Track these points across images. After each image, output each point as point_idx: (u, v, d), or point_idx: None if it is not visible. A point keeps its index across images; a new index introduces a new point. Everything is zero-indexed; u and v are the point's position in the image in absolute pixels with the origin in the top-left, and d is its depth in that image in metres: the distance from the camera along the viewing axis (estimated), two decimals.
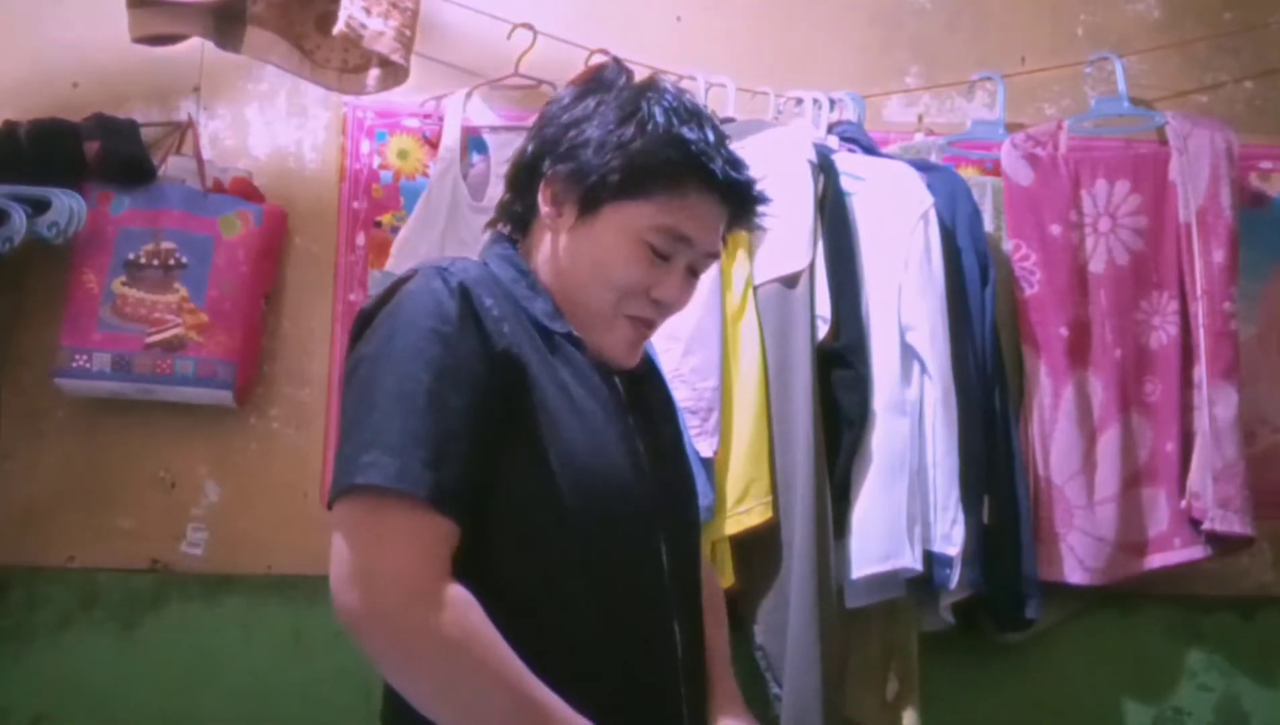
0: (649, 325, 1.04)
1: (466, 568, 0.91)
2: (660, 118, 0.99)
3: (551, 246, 1.03)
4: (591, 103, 1.02)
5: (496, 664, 0.86)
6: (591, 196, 0.99)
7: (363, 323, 0.96)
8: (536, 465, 0.94)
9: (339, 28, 1.56)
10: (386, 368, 0.90)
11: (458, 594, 0.86)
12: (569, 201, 1.00)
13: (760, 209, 1.05)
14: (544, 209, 1.02)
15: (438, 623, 0.85)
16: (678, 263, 1.01)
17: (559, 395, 0.96)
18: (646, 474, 1.01)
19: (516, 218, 1.07)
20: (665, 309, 1.03)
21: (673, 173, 0.98)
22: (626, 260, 0.99)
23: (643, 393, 1.09)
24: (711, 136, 1.00)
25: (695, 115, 1.01)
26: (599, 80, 1.07)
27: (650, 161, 0.98)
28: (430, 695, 0.87)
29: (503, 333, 0.94)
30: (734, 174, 1.01)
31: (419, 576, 0.85)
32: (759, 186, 1.04)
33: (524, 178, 1.05)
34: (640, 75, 1.90)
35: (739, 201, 1.03)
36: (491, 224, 1.11)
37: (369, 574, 0.85)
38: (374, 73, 1.70)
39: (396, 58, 1.62)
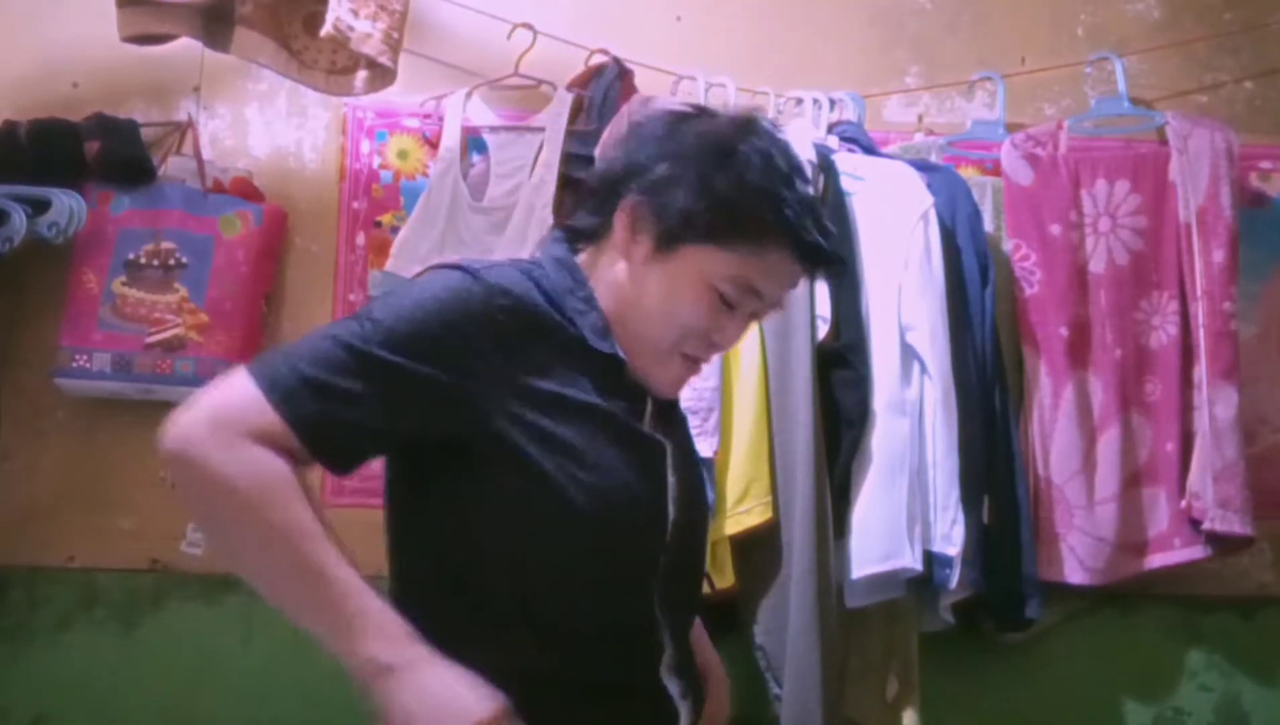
0: (699, 362, 1.05)
1: (457, 575, 0.96)
2: (757, 168, 0.97)
3: (618, 269, 1.01)
4: (689, 135, 1.00)
5: (277, 515, 0.87)
6: (672, 235, 0.98)
7: None
8: (544, 484, 0.93)
9: (326, 29, 1.56)
10: (366, 316, 0.93)
11: (259, 450, 0.87)
12: (646, 232, 0.99)
13: (839, 267, 1.08)
14: (619, 232, 1.00)
15: (223, 458, 0.88)
16: (744, 310, 1.01)
17: (586, 417, 0.96)
18: (665, 500, 1.01)
19: (588, 228, 1.05)
20: (719, 351, 1.05)
21: (759, 229, 0.97)
22: (695, 303, 0.99)
23: (668, 414, 1.09)
24: (806, 195, 0.99)
25: (792, 170, 0.99)
26: (701, 108, 1.07)
27: (739, 214, 0.96)
28: (210, 534, 0.92)
29: (517, 348, 0.94)
30: (821, 238, 0.99)
31: (229, 427, 0.88)
32: (837, 243, 1.05)
33: (604, 192, 1.03)
34: (640, 76, 1.93)
35: (818, 264, 1.02)
36: (559, 222, 1.11)
37: (188, 409, 0.91)
38: (361, 74, 1.70)
39: (384, 60, 1.62)
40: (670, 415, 1.09)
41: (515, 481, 0.94)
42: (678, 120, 1.03)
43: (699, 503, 1.10)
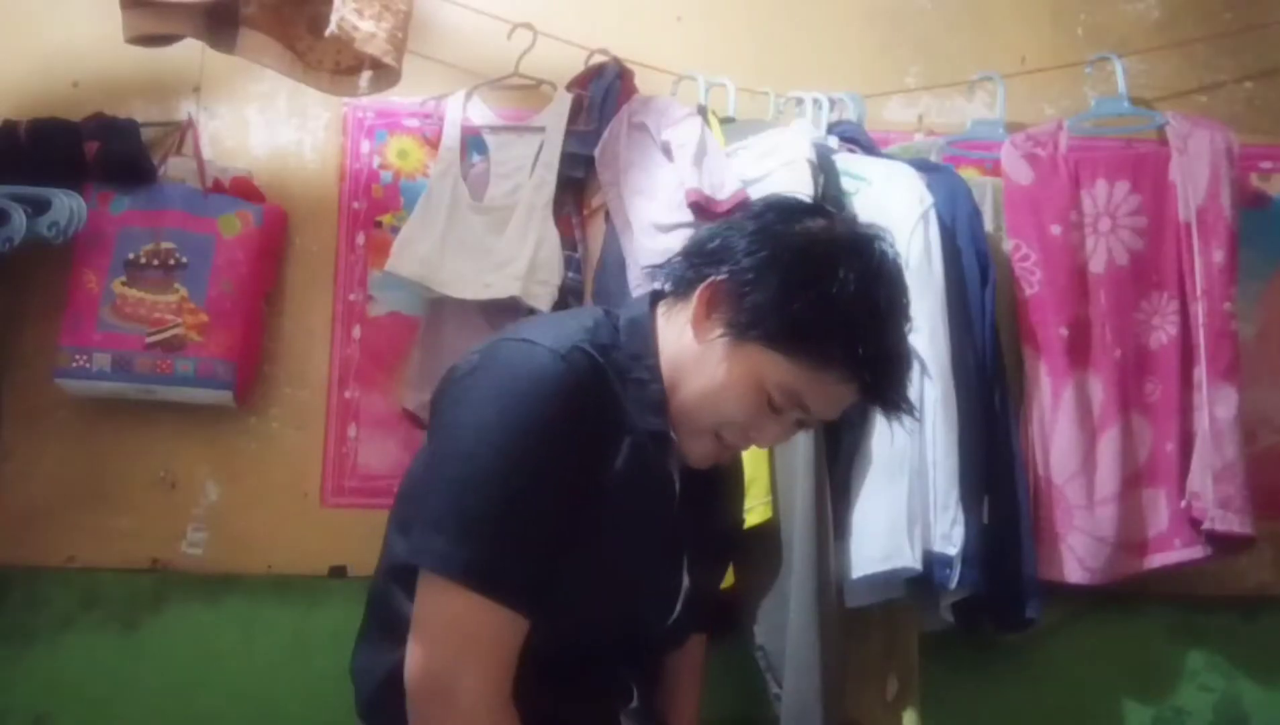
0: (734, 449, 1.06)
1: None
2: (846, 295, 0.95)
3: (685, 340, 1.02)
4: (798, 232, 0.98)
5: None
6: (743, 327, 0.98)
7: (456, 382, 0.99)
8: (578, 554, 0.96)
9: (331, 30, 1.56)
10: (487, 447, 0.92)
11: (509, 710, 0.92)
12: (720, 316, 0.99)
13: (901, 408, 1.02)
14: (696, 306, 1.00)
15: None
16: (788, 418, 1.01)
17: (623, 495, 0.98)
18: (675, 593, 1.04)
19: (681, 285, 1.04)
20: (754, 444, 1.05)
21: (826, 355, 0.96)
22: (742, 398, 0.99)
23: (702, 487, 1.09)
24: (886, 342, 0.97)
25: (887, 308, 0.97)
26: (815, 204, 1.07)
27: (811, 335, 0.96)
28: None
29: (602, 421, 0.97)
30: (885, 385, 0.99)
31: (496, 692, 0.91)
32: (903, 387, 1.01)
33: (703, 257, 1.02)
34: (640, 76, 1.93)
35: (876, 396, 1.01)
36: (658, 268, 1.09)
37: (453, 677, 0.91)
38: (366, 75, 1.70)
39: (388, 60, 1.62)
40: (704, 489, 1.09)
41: (575, 557, 0.96)
42: (795, 213, 1.01)
43: (709, 591, 1.14)
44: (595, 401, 0.96)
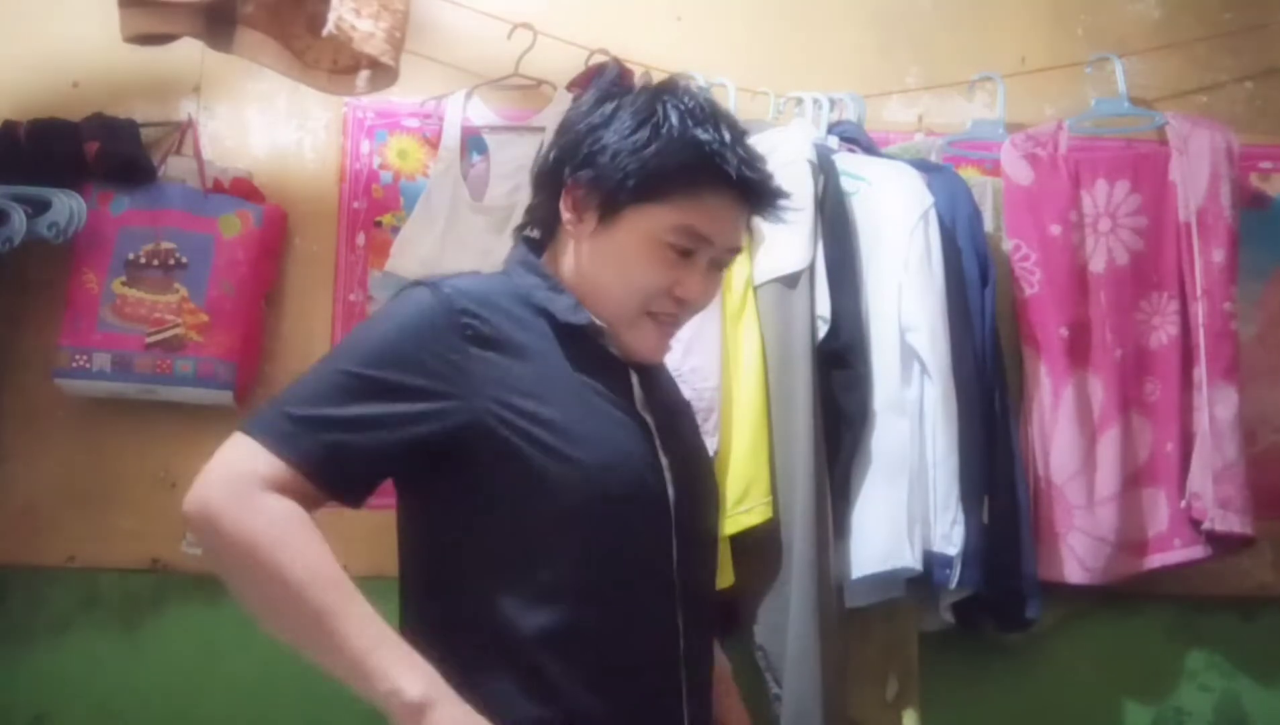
0: (674, 321, 1.06)
1: (463, 571, 0.99)
2: (675, 121, 1.00)
3: (575, 252, 1.06)
4: (609, 108, 1.04)
5: (297, 563, 0.90)
6: (610, 202, 1.01)
7: None
8: (538, 470, 0.96)
9: (329, 29, 1.56)
10: (340, 347, 1.02)
11: (271, 498, 0.91)
12: (589, 208, 1.03)
13: (780, 202, 1.07)
14: (565, 216, 1.05)
15: (238, 514, 0.90)
16: (699, 260, 1.03)
17: (570, 396, 1.00)
18: (661, 475, 1.03)
19: (542, 222, 1.11)
20: (689, 306, 1.05)
21: (688, 175, 1.00)
22: (647, 262, 1.02)
23: (658, 389, 1.11)
24: (727, 135, 1.01)
25: (711, 115, 1.02)
26: (617, 85, 1.10)
27: (665, 165, 0.99)
28: (240, 595, 0.94)
29: (491, 341, 0.98)
30: (749, 172, 1.02)
31: (239, 482, 0.92)
32: (775, 181, 1.06)
33: (547, 184, 1.08)
34: (640, 76, 1.93)
35: (756, 197, 1.05)
36: (519, 229, 1.15)
37: (204, 474, 0.94)
38: (364, 74, 1.70)
39: (386, 59, 1.62)
40: (662, 400, 1.11)
41: (511, 472, 0.96)
42: (597, 100, 1.07)
43: (702, 489, 1.11)
44: (483, 318, 0.98)
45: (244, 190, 1.90)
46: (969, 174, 1.94)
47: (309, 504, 0.94)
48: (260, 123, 1.97)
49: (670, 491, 1.03)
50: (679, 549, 1.02)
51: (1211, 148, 1.85)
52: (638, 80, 1.90)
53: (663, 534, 1.02)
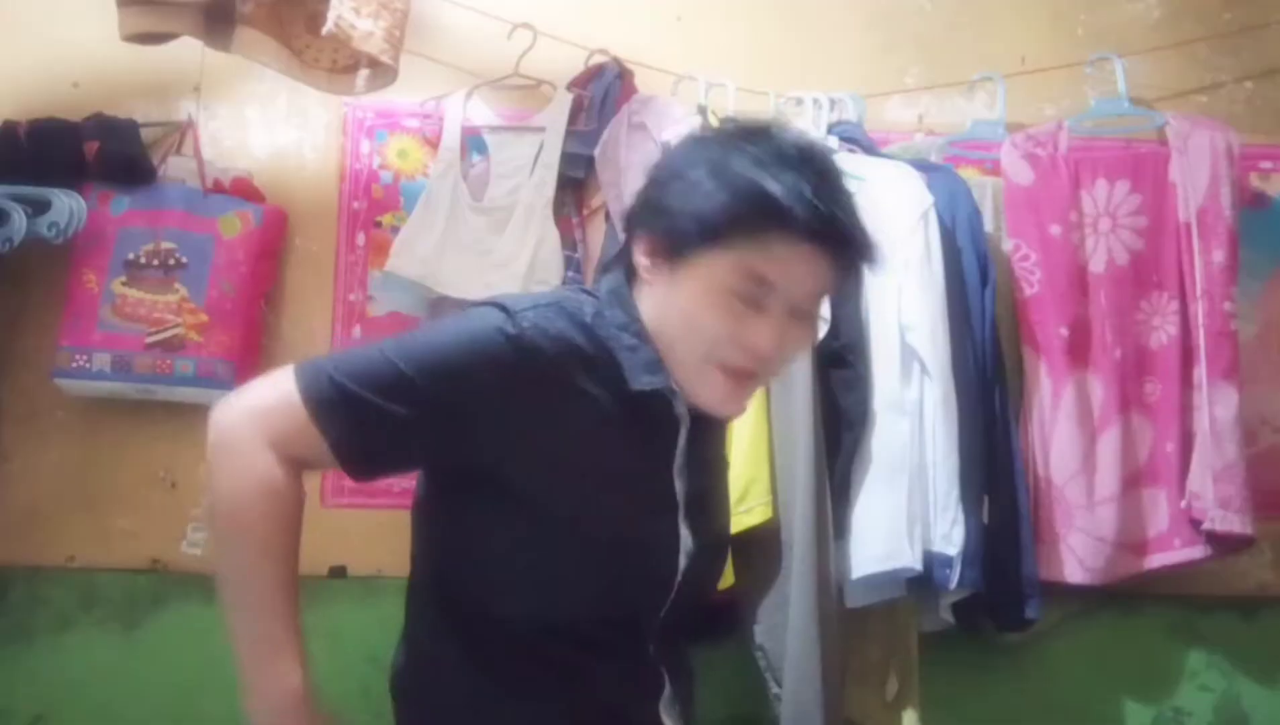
0: (749, 375, 1.00)
1: (468, 591, 1.02)
2: (744, 168, 0.96)
3: (650, 299, 1.03)
4: (691, 153, 1.01)
5: (256, 532, 0.94)
6: (678, 250, 0.99)
7: None
8: (546, 526, 0.98)
9: (328, 28, 1.56)
10: (405, 339, 1.00)
11: (271, 467, 0.94)
12: (660, 256, 1.00)
13: (867, 252, 1.00)
14: (641, 265, 1.02)
15: (241, 464, 0.94)
16: (771, 309, 0.98)
17: (604, 465, 1.00)
18: (675, 553, 1.03)
19: (629, 264, 1.06)
20: (762, 358, 0.99)
21: (752, 223, 0.96)
22: (711, 309, 0.97)
23: (704, 445, 1.09)
24: (808, 183, 0.95)
25: (795, 159, 0.97)
26: (705, 130, 1.10)
27: (729, 213, 0.96)
28: (209, 524, 0.99)
29: (547, 396, 0.97)
30: (826, 222, 0.96)
31: (258, 425, 0.94)
32: (862, 231, 0.99)
33: (629, 228, 1.06)
34: (640, 76, 1.93)
35: (837, 246, 0.98)
36: (610, 262, 1.15)
37: (235, 398, 0.97)
38: (363, 73, 1.70)
39: (385, 58, 1.62)
40: (703, 458, 1.09)
41: (521, 517, 0.98)
42: (688, 141, 1.05)
43: (713, 561, 1.12)
44: (540, 373, 0.97)
45: (244, 190, 1.90)
46: (969, 174, 1.94)
47: (318, 461, 0.96)
48: (260, 123, 1.97)
49: (680, 563, 1.04)
50: (668, 609, 1.05)
51: (1211, 148, 1.85)
52: (638, 81, 1.91)
53: (659, 601, 1.04)
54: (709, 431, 1.10)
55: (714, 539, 1.10)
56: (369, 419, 0.94)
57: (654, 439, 1.03)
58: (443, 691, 1.04)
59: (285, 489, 0.94)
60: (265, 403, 0.96)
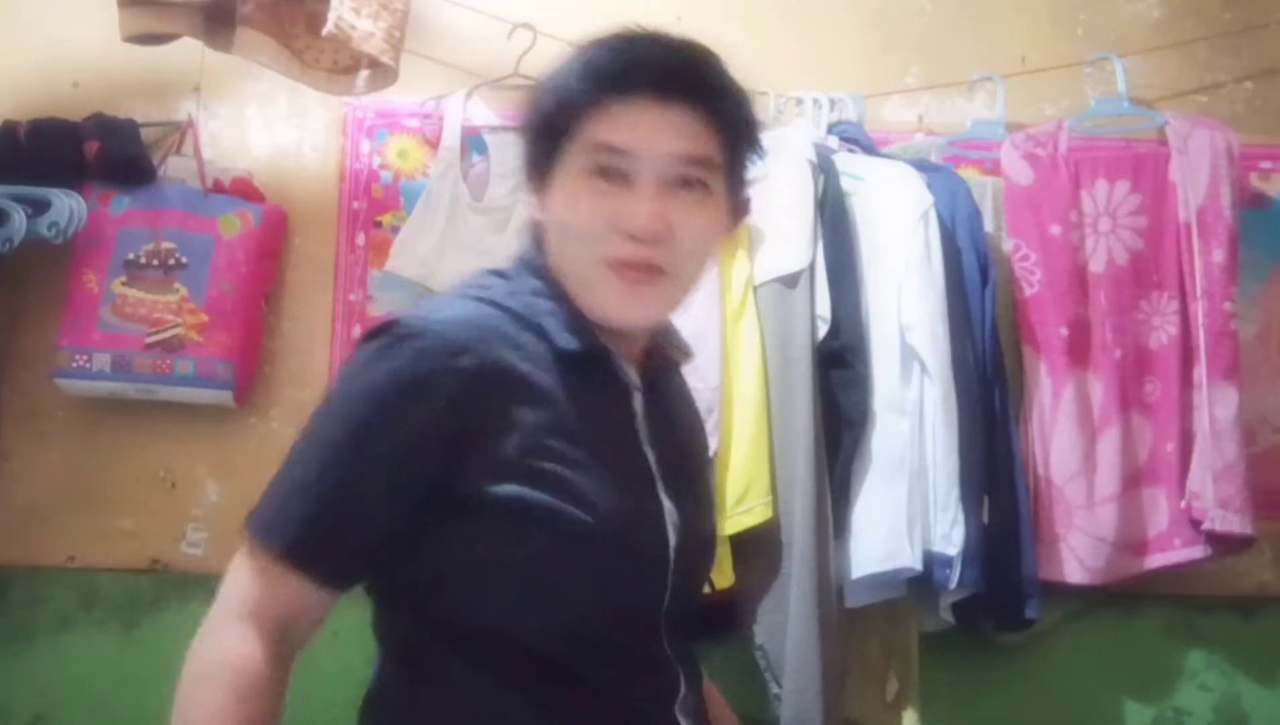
0: (644, 269, 0.89)
1: (459, 630, 0.89)
2: (571, 58, 0.94)
3: (547, 240, 0.95)
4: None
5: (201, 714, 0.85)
6: (539, 171, 0.94)
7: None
8: (533, 528, 0.87)
9: (329, 29, 1.56)
10: (324, 420, 0.89)
11: (221, 649, 0.86)
12: (535, 189, 0.95)
13: (729, 97, 0.93)
14: (531, 213, 0.97)
15: (198, 648, 0.87)
16: (639, 180, 0.89)
17: (573, 443, 0.88)
18: (662, 528, 0.93)
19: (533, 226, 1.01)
20: (652, 239, 0.88)
21: (583, 97, 0.90)
22: (577, 199, 0.89)
23: (666, 409, 1.00)
24: (632, 41, 0.93)
25: (619, 34, 0.94)
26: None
27: (558, 100, 0.91)
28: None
29: (492, 381, 0.87)
30: (657, 72, 0.90)
31: (216, 614, 0.88)
32: (716, 74, 0.94)
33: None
34: None
35: (686, 93, 0.90)
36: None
37: (217, 601, 0.90)
38: (363, 74, 1.70)
39: (386, 59, 1.62)
40: (669, 423, 1.00)
41: (504, 534, 0.87)
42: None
43: (703, 530, 1.01)
44: (472, 375, 0.86)
45: (244, 190, 1.90)
46: (969, 174, 1.94)
47: (312, 605, 0.87)
48: (260, 123, 1.97)
49: (671, 539, 0.93)
50: (671, 592, 0.93)
51: (1211, 148, 1.85)
52: None
53: (658, 583, 0.93)
54: (670, 398, 1.02)
55: (700, 514, 1.00)
56: (338, 522, 0.85)
57: (610, 410, 0.94)
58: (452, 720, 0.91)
59: (237, 674, 0.83)
60: (224, 592, 0.88)
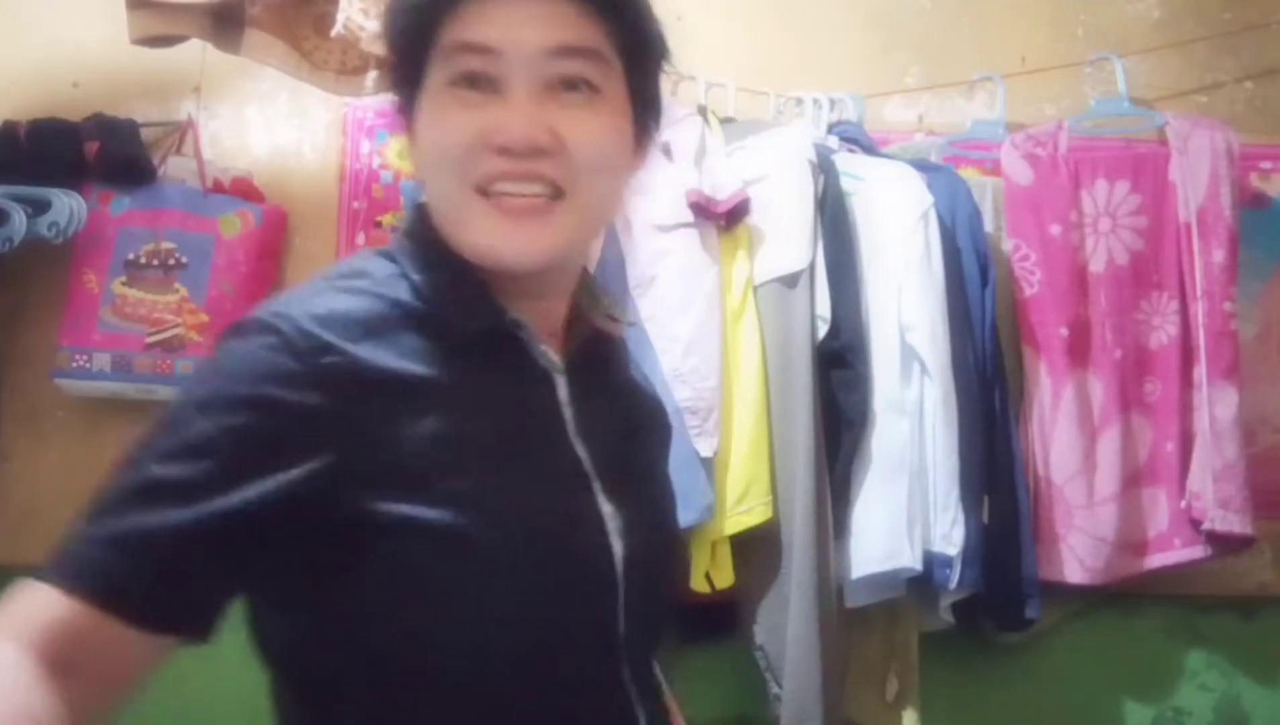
0: (521, 196, 0.74)
1: (349, 681, 0.73)
2: None
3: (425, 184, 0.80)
4: None
5: None
6: (402, 96, 0.79)
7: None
8: (433, 559, 0.70)
9: (337, 30, 1.56)
10: (157, 432, 0.70)
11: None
12: (405, 128, 0.81)
13: None
14: (413, 164, 0.82)
15: None
16: (510, 82, 0.74)
17: (473, 446, 0.73)
18: (604, 535, 0.77)
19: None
20: (527, 157, 0.73)
21: (433, 4, 0.76)
22: (442, 115, 0.75)
23: (600, 393, 0.83)
24: None
25: None
26: None
27: (412, 6, 0.78)
28: None
29: (357, 382, 0.70)
30: None
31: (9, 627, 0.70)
32: None
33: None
34: None
35: None
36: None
37: None
38: (372, 75, 1.70)
39: None
40: (604, 409, 0.82)
41: (405, 561, 0.70)
42: None
43: (655, 533, 0.83)
44: (332, 359, 0.70)
45: (244, 190, 1.90)
46: (969, 174, 1.94)
47: (119, 657, 0.70)
48: (260, 123, 1.97)
49: (616, 550, 0.77)
50: (626, 612, 0.77)
51: (1211, 148, 1.85)
52: None
53: (605, 602, 0.77)
54: (608, 379, 0.86)
55: (654, 516, 0.84)
56: (144, 549, 0.66)
57: (526, 401, 0.78)
58: None
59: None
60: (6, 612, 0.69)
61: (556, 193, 0.75)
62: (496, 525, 0.71)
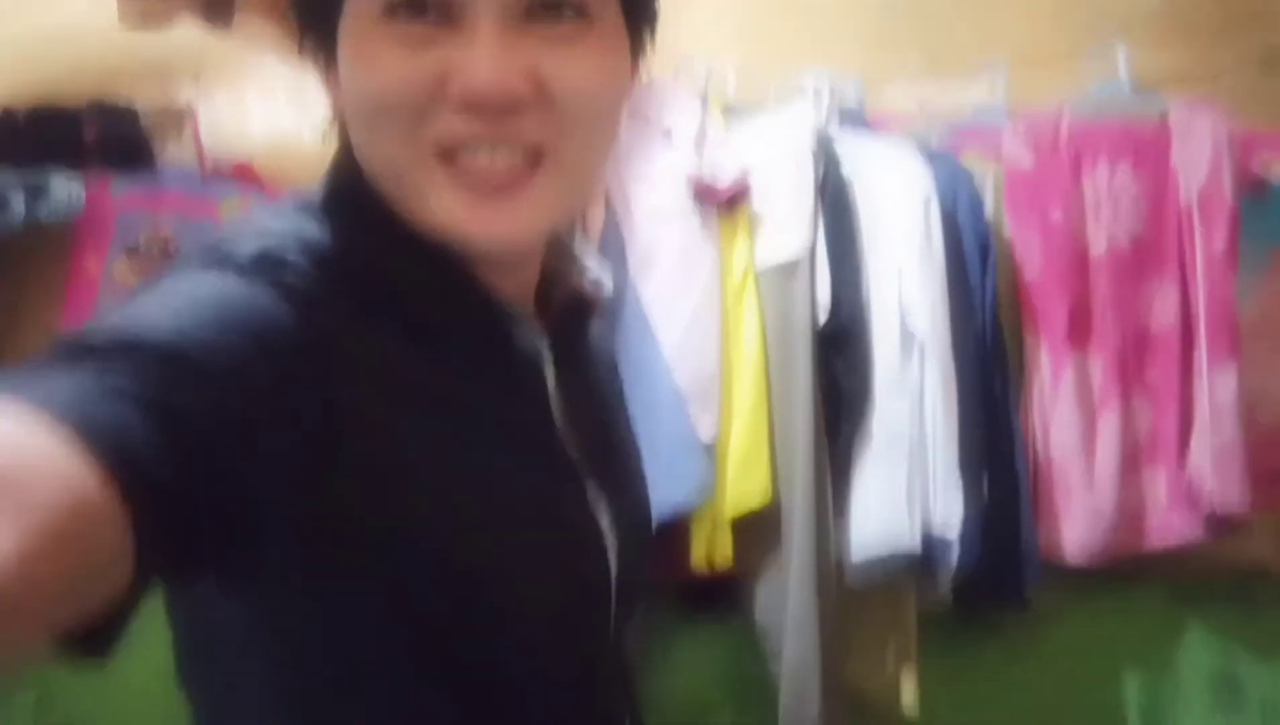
0: (489, 163, 0.57)
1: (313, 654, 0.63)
2: None
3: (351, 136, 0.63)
4: None
5: None
6: (313, 19, 0.62)
7: None
8: (416, 573, 0.58)
9: None
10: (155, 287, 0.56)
11: None
12: (313, 57, 0.64)
13: None
14: (334, 115, 0.66)
15: None
16: (473, 16, 0.55)
17: (460, 451, 0.60)
18: (601, 545, 0.68)
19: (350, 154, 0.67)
20: (498, 113, 0.55)
21: None
22: (373, 56, 0.57)
23: (582, 384, 0.71)
24: None
25: None
26: None
27: None
28: None
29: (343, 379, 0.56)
30: None
31: None
32: None
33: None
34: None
35: None
36: None
37: None
38: None
39: None
40: (588, 402, 0.71)
41: (381, 583, 0.58)
42: None
43: (635, 510, 0.73)
44: (340, 348, 0.56)
45: (245, 175, 1.90)
46: (970, 160, 1.93)
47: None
48: (261, 108, 1.96)
49: (610, 545, 0.68)
50: (617, 597, 0.69)
51: (1213, 133, 1.85)
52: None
53: (602, 602, 0.68)
54: (587, 358, 0.74)
55: (634, 503, 0.73)
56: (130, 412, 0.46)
57: (518, 388, 0.65)
58: None
59: None
60: None
61: (536, 156, 0.57)
62: (489, 544, 0.60)
